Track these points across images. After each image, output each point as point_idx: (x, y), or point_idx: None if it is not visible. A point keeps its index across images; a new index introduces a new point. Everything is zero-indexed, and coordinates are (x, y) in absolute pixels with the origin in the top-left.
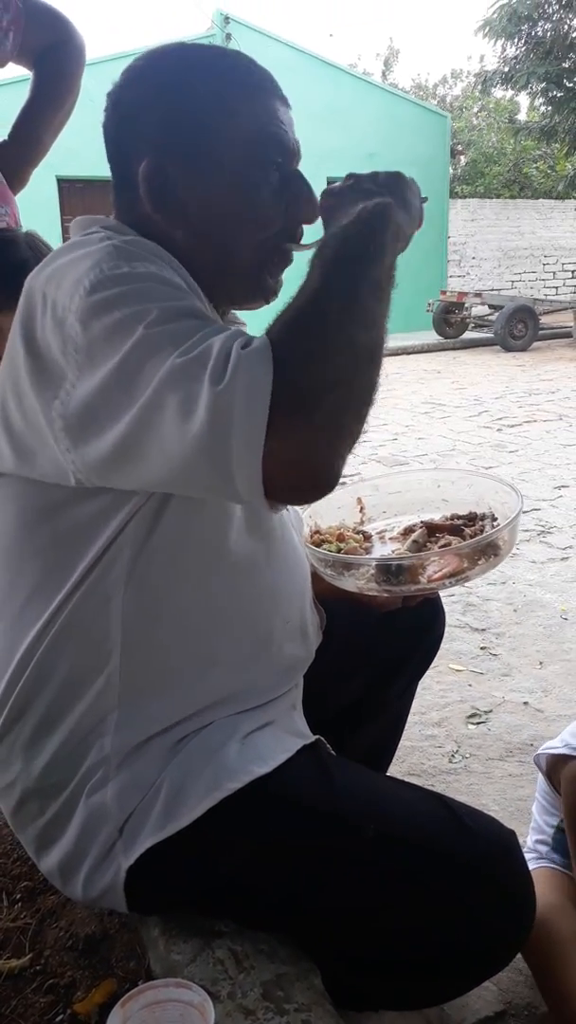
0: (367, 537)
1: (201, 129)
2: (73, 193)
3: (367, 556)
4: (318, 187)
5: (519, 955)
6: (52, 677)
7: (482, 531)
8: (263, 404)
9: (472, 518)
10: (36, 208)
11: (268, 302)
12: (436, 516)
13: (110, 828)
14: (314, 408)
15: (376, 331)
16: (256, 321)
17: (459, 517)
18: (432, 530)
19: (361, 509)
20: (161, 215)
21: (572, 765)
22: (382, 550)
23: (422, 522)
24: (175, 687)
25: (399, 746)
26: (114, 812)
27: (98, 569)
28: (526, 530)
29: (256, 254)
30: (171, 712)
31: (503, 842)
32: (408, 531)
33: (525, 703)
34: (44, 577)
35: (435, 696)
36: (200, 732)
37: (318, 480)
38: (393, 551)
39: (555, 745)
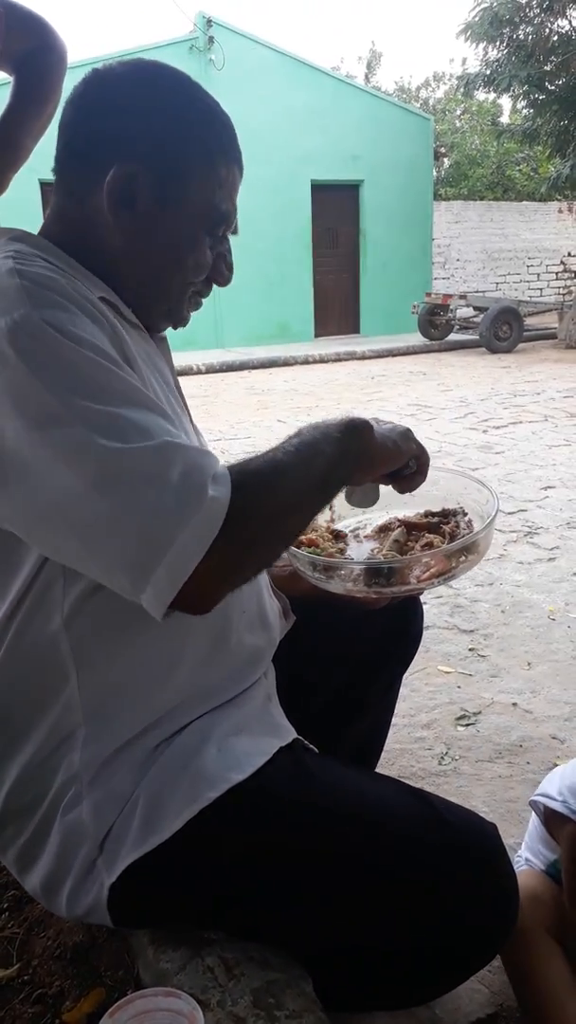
0: (340, 536)
1: (185, 169)
2: None
3: (355, 560)
4: (303, 189)
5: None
6: (12, 701)
7: (457, 527)
8: (202, 549)
9: (445, 514)
10: (19, 212)
11: (175, 328)
12: (405, 512)
13: (89, 845)
14: (239, 560)
15: (306, 519)
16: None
17: (433, 514)
18: (409, 528)
19: (331, 507)
20: (113, 217)
21: (570, 829)
22: (359, 549)
23: (399, 520)
24: (138, 695)
25: (388, 749)
26: (92, 829)
27: (35, 588)
28: (513, 531)
29: (179, 289)
30: (137, 720)
31: (484, 835)
32: (383, 529)
33: (514, 704)
34: None
35: (424, 698)
36: (173, 739)
37: (205, 609)
38: (372, 550)
39: (552, 795)
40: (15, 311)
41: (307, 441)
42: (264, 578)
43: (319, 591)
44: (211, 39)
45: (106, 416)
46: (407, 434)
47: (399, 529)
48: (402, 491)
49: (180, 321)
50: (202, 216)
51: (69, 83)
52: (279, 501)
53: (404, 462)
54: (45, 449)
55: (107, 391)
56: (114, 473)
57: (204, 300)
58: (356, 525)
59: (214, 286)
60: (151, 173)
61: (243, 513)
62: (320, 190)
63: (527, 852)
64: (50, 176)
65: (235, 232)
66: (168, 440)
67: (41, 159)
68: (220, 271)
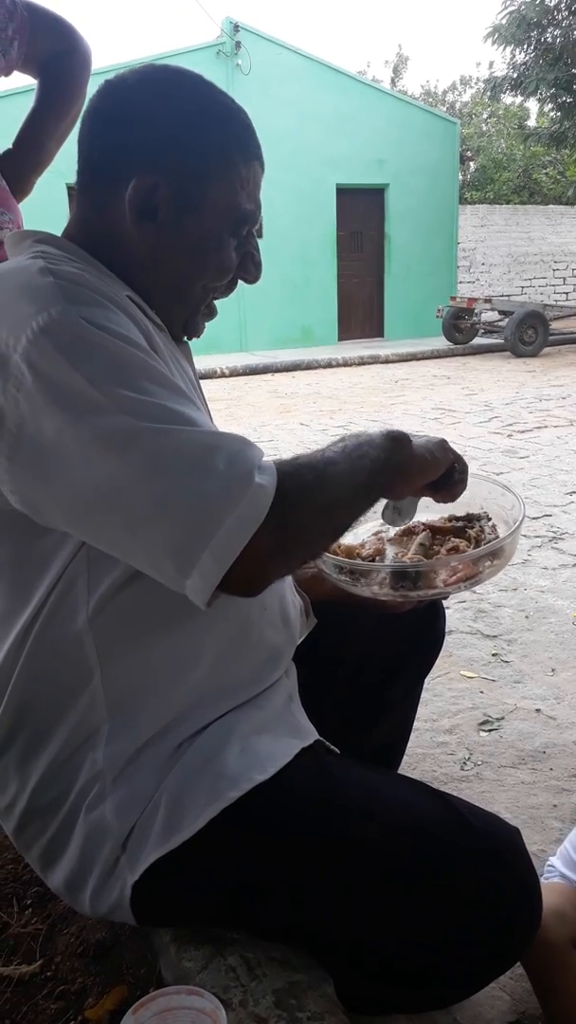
0: (361, 544)
1: (203, 173)
2: None
3: (382, 563)
4: (328, 193)
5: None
6: (36, 699)
7: (482, 531)
8: (247, 534)
9: (470, 519)
10: (46, 215)
11: (188, 339)
12: (428, 516)
13: (112, 844)
14: (285, 549)
15: (351, 517)
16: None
17: (456, 518)
18: (434, 532)
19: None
20: (136, 228)
21: None
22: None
23: (423, 524)
24: (160, 691)
25: (410, 753)
26: (115, 827)
27: (59, 585)
28: (538, 536)
29: (199, 296)
30: (160, 717)
31: (507, 839)
32: (407, 532)
33: (537, 710)
34: (10, 597)
35: (446, 703)
36: (195, 739)
37: (252, 594)
38: (396, 554)
39: None
40: (52, 308)
41: (352, 445)
42: (287, 577)
43: (342, 593)
44: (238, 44)
45: (148, 405)
46: (443, 444)
47: (424, 533)
48: (444, 501)
49: (194, 331)
50: (225, 217)
51: (92, 89)
52: (327, 494)
53: (441, 472)
54: (89, 439)
55: (147, 382)
56: (159, 460)
57: (229, 304)
58: (379, 528)
59: (240, 286)
60: (171, 182)
61: (290, 501)
62: (345, 194)
63: (564, 867)
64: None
65: (260, 234)
66: (210, 429)
67: (68, 162)
68: (248, 269)
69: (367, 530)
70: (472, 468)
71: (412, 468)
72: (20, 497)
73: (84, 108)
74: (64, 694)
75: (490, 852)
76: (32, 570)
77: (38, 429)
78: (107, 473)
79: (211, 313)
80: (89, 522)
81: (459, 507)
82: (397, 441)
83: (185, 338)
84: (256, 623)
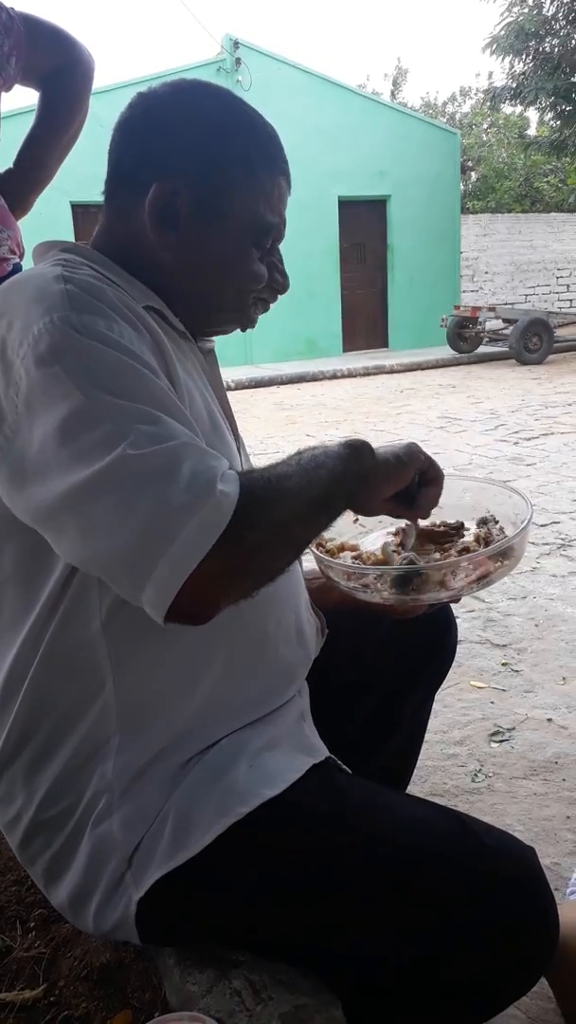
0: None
1: (226, 181)
2: (87, 218)
3: (390, 567)
4: (330, 205)
5: (547, 983)
6: (47, 707)
7: (490, 533)
8: (208, 543)
9: (480, 522)
10: (50, 234)
11: (243, 330)
12: (435, 522)
13: (118, 859)
14: (243, 565)
15: (311, 532)
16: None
17: (446, 525)
18: (435, 537)
19: (356, 520)
20: (156, 235)
21: None
22: (375, 544)
23: (407, 525)
24: (173, 703)
25: (420, 766)
26: (121, 842)
27: (72, 590)
28: (546, 543)
29: (235, 299)
30: (171, 729)
31: (524, 861)
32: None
33: (549, 720)
34: (17, 601)
35: (456, 714)
36: (205, 754)
37: (205, 617)
38: (402, 559)
39: None
40: (55, 313)
41: (308, 457)
42: (304, 593)
43: (352, 601)
44: (238, 60)
45: (130, 415)
46: (412, 448)
47: (410, 526)
48: (420, 511)
49: (247, 323)
50: (247, 229)
51: (102, 108)
52: (284, 507)
53: (411, 477)
54: (67, 446)
55: (136, 393)
56: (124, 469)
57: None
58: (383, 536)
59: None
60: (192, 189)
61: (249, 515)
62: (347, 206)
63: None
64: (80, 198)
65: (281, 238)
66: (184, 441)
67: (72, 180)
68: (275, 280)
69: (374, 539)
70: (478, 476)
71: (376, 476)
72: (7, 500)
73: (117, 119)
74: (76, 703)
75: (506, 875)
76: (38, 575)
77: (28, 434)
78: (72, 480)
79: (264, 308)
80: (51, 529)
81: (466, 512)
82: (355, 449)
83: (239, 330)
84: (271, 638)
